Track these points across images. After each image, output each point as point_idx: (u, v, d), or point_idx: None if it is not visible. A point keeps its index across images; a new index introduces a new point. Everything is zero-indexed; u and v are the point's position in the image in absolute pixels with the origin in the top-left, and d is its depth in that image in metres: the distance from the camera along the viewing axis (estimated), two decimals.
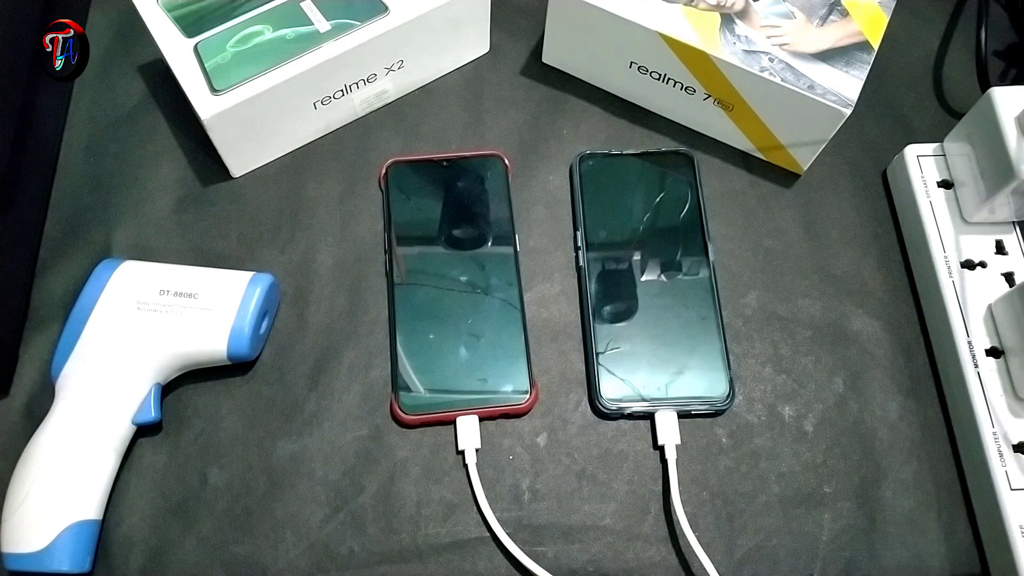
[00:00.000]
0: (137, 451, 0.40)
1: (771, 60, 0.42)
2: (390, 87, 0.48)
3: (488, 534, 0.38)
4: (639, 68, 0.46)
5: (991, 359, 0.40)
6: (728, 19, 0.44)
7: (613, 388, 0.40)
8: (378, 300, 0.43)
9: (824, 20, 0.44)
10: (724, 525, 0.39)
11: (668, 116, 0.48)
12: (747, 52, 0.43)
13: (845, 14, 0.44)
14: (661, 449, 0.40)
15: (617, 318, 0.42)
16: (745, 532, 0.39)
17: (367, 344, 0.42)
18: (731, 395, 0.40)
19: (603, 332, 0.42)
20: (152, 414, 0.38)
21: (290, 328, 0.43)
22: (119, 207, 0.46)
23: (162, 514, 0.39)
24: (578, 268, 0.44)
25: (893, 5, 0.45)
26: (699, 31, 0.43)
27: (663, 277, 0.43)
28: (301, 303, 0.43)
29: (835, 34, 0.44)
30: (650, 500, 0.39)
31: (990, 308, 0.41)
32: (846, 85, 0.42)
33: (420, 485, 0.39)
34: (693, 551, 0.37)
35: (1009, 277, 0.42)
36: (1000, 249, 0.42)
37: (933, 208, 0.44)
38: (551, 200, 0.46)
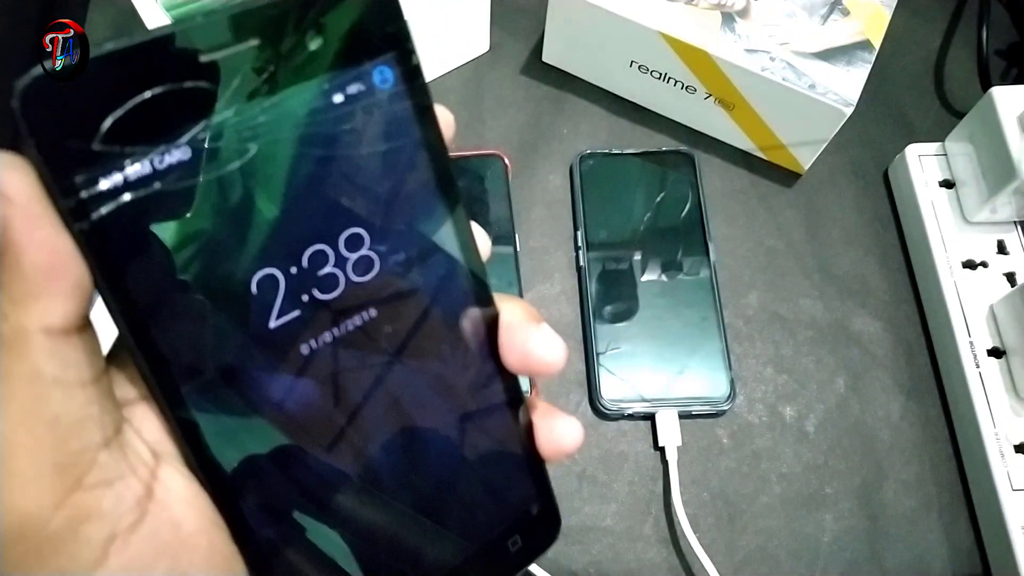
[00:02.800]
0: None
1: (772, 59, 0.42)
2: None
3: None
4: (640, 67, 0.46)
5: (993, 359, 0.40)
6: (729, 18, 0.44)
7: (613, 388, 0.40)
8: None
9: (825, 19, 0.44)
10: (725, 526, 0.39)
11: (669, 115, 0.48)
12: (748, 51, 0.42)
13: (846, 13, 0.44)
14: (662, 450, 0.40)
15: (617, 318, 0.42)
16: (746, 533, 0.39)
17: None
18: (732, 395, 0.40)
19: (603, 332, 0.42)
20: None
21: None
22: None
23: None
24: (578, 268, 0.44)
25: (894, 4, 0.45)
26: (700, 30, 0.43)
27: (664, 277, 0.43)
28: None
29: (836, 33, 0.43)
30: (651, 501, 0.39)
31: (992, 308, 0.41)
32: (847, 84, 0.42)
33: None
34: (694, 552, 0.36)
35: (1011, 277, 0.42)
36: (1002, 249, 0.42)
37: (935, 208, 0.44)
38: (551, 200, 0.46)
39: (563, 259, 0.45)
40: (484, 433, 0.20)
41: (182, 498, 0.16)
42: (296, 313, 0.17)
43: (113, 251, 0.15)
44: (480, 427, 0.20)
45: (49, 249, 0.14)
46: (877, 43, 0.43)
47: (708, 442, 0.40)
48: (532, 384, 0.40)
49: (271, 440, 0.17)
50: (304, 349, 0.17)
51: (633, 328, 0.42)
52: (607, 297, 0.43)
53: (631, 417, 0.41)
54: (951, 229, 0.43)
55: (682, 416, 0.40)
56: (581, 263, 0.44)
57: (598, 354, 0.41)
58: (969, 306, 0.41)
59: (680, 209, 0.45)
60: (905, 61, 0.51)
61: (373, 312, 0.18)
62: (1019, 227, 0.43)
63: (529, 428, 0.21)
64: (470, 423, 0.20)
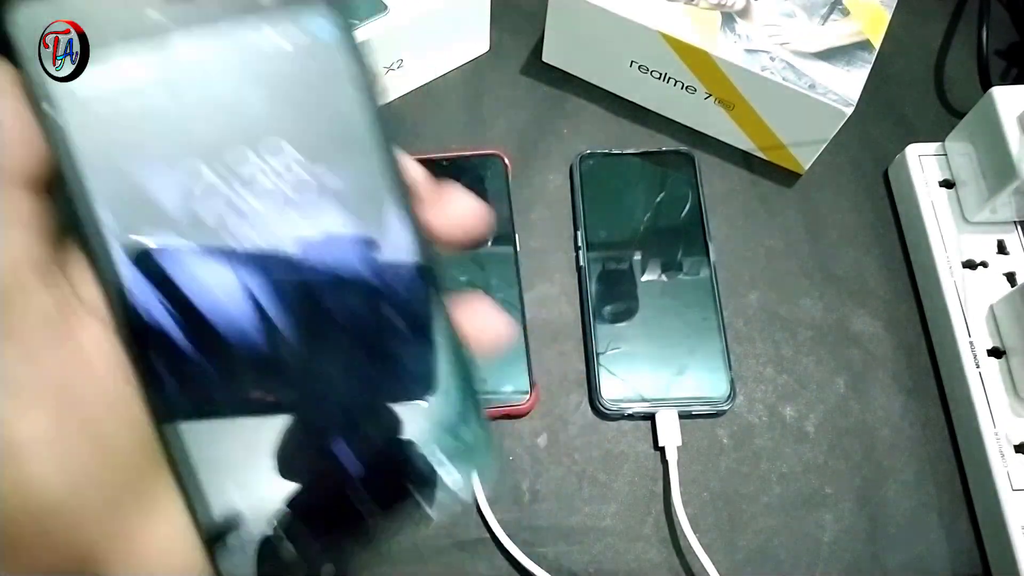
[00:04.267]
0: None
1: (772, 59, 0.42)
2: (389, 87, 0.48)
3: (488, 535, 0.38)
4: (640, 67, 0.46)
5: (993, 359, 0.40)
6: (729, 18, 0.44)
7: (614, 388, 0.40)
8: None
9: (825, 19, 0.44)
10: (725, 526, 0.39)
11: (669, 115, 0.48)
12: (748, 51, 0.42)
13: (846, 13, 0.44)
14: (662, 450, 0.40)
15: (618, 318, 0.42)
16: (746, 533, 0.39)
17: None
18: (732, 395, 0.40)
19: (604, 332, 0.42)
20: None
21: None
22: None
23: None
24: (578, 268, 0.44)
25: (894, 4, 0.45)
26: (700, 30, 0.43)
27: (664, 277, 0.43)
28: None
29: (836, 33, 0.43)
30: (651, 501, 0.39)
31: (992, 308, 0.41)
32: (847, 84, 0.42)
33: None
34: (694, 552, 0.36)
35: (1011, 277, 0.42)
36: (1002, 249, 0.42)
37: (935, 208, 0.44)
38: (551, 200, 0.46)
39: (563, 259, 0.45)
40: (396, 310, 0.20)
41: (101, 348, 0.17)
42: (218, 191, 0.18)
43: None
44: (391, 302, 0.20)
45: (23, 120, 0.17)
46: (877, 43, 0.43)
47: (708, 442, 0.40)
48: (532, 384, 0.40)
49: (187, 300, 0.18)
50: (214, 221, 0.18)
51: (633, 328, 0.42)
52: (607, 297, 0.43)
53: (631, 417, 0.41)
54: (951, 229, 0.43)
55: (682, 416, 0.40)
56: (581, 263, 0.44)
57: (598, 354, 0.41)
58: (969, 306, 0.41)
59: (680, 209, 0.45)
60: (905, 61, 0.51)
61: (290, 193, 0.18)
62: (1019, 227, 0.43)
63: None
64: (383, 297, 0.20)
